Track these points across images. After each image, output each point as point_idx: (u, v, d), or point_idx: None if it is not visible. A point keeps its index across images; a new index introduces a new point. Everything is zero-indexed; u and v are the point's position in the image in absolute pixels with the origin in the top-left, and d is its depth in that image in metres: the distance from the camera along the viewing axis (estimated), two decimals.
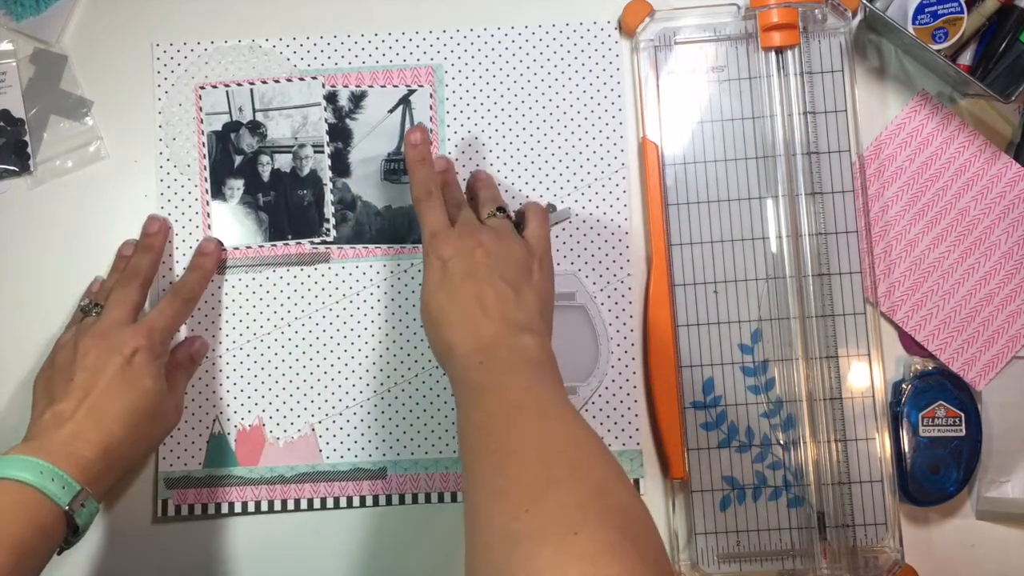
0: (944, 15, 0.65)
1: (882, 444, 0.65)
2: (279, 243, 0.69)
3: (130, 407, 0.58)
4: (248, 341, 0.68)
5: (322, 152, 0.69)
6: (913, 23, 0.65)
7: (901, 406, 0.65)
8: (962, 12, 0.64)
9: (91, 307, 0.64)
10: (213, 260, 0.67)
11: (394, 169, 0.69)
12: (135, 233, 0.69)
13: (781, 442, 0.65)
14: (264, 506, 0.66)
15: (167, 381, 0.62)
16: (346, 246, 0.69)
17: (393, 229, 0.69)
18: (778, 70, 0.67)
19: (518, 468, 0.45)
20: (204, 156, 0.69)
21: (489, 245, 0.57)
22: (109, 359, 0.58)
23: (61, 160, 0.70)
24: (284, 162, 0.69)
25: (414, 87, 0.70)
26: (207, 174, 0.69)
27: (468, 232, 0.58)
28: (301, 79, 0.70)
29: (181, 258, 0.69)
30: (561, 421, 0.49)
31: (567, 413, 0.50)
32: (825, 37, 0.67)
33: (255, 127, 0.70)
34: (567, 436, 0.48)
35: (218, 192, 0.69)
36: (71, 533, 0.54)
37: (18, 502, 0.51)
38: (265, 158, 0.69)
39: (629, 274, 0.68)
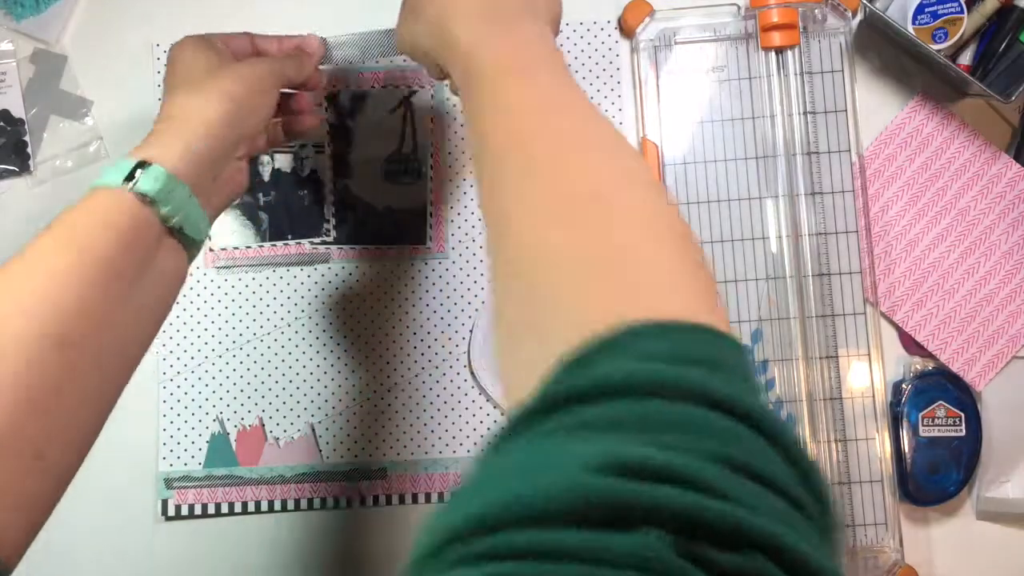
0: (944, 15, 0.65)
1: (882, 444, 0.65)
2: (279, 243, 0.69)
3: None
4: (248, 341, 0.68)
5: (322, 152, 0.69)
6: (913, 23, 0.65)
7: (901, 406, 0.65)
8: (962, 12, 0.64)
9: None
10: (315, 60, 0.60)
11: (395, 170, 0.69)
12: None
13: None
14: (264, 506, 0.66)
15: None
16: (346, 246, 0.69)
17: (393, 229, 0.69)
18: (778, 70, 0.67)
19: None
20: None
21: None
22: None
23: (61, 160, 0.70)
24: (284, 162, 0.69)
25: (415, 88, 0.70)
26: None
27: None
28: None
29: None
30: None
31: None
32: (825, 37, 0.67)
33: None
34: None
35: None
36: (174, 231, 0.45)
37: (91, 206, 0.43)
38: (265, 158, 0.69)
39: None
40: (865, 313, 0.66)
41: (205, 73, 0.50)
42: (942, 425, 0.65)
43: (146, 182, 0.43)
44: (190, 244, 0.47)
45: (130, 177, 0.43)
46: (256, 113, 0.51)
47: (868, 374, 0.65)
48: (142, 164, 0.44)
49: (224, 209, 0.53)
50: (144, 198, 0.43)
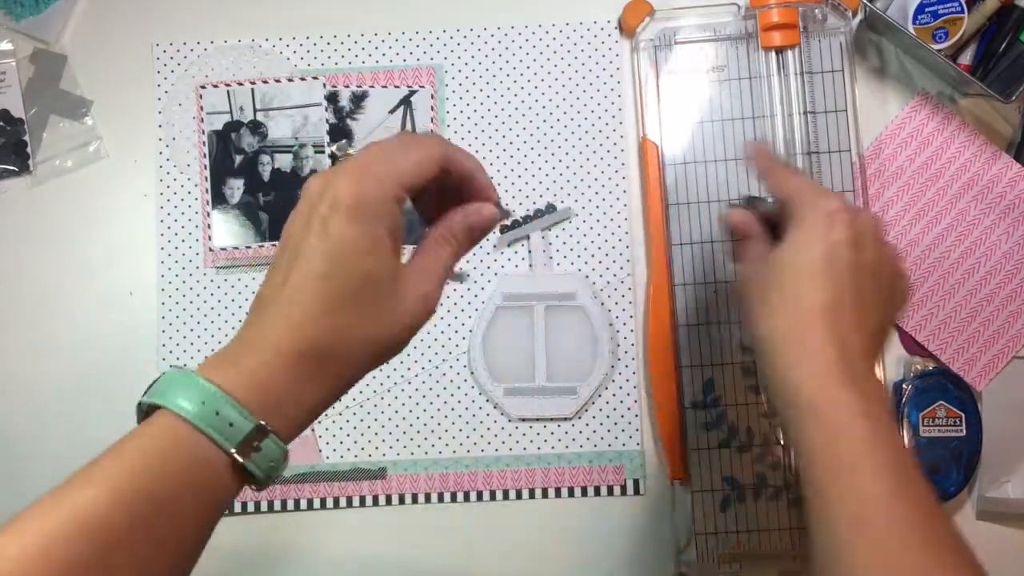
0: (944, 15, 0.65)
1: None
2: (279, 243, 0.68)
3: (325, 275, 0.37)
4: None
5: (323, 152, 0.69)
6: (913, 23, 0.65)
7: (902, 406, 0.65)
8: (962, 12, 0.64)
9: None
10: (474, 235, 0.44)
11: None
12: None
13: (781, 442, 0.65)
14: (264, 506, 0.66)
15: (412, 259, 0.42)
16: None
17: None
18: (778, 70, 0.67)
19: None
20: (204, 156, 0.69)
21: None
22: (307, 219, 0.38)
23: (61, 160, 0.70)
24: (284, 162, 0.69)
25: (415, 87, 0.70)
26: (207, 174, 0.69)
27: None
28: (302, 79, 0.70)
29: (173, 264, 0.68)
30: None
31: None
32: (825, 37, 0.67)
33: (256, 127, 0.69)
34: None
35: (218, 192, 0.69)
36: (249, 482, 0.38)
37: (169, 446, 0.35)
38: (265, 158, 0.69)
39: (629, 274, 0.68)
40: None
41: (373, 303, 0.38)
42: (942, 425, 0.65)
43: (261, 461, 0.36)
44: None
45: (245, 444, 0.36)
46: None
47: None
48: (262, 431, 0.36)
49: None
50: (246, 473, 0.36)
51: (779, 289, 0.46)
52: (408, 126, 0.69)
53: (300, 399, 0.38)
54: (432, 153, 0.40)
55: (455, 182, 0.42)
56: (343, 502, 0.66)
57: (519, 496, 0.66)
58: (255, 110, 0.70)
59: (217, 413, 0.35)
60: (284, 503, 0.66)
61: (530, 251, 0.68)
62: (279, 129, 0.69)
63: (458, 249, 0.43)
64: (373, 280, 0.38)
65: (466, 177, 0.42)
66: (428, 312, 0.41)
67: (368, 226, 0.37)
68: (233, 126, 0.70)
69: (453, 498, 0.67)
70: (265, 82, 0.70)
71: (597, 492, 0.66)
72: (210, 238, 0.69)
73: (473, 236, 0.43)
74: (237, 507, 0.66)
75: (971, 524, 0.66)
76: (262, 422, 0.36)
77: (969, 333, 0.67)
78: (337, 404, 0.67)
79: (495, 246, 0.68)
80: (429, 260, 0.42)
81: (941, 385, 0.65)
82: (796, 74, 0.67)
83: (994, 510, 0.66)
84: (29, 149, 0.70)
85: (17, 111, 0.70)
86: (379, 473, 0.67)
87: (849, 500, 0.40)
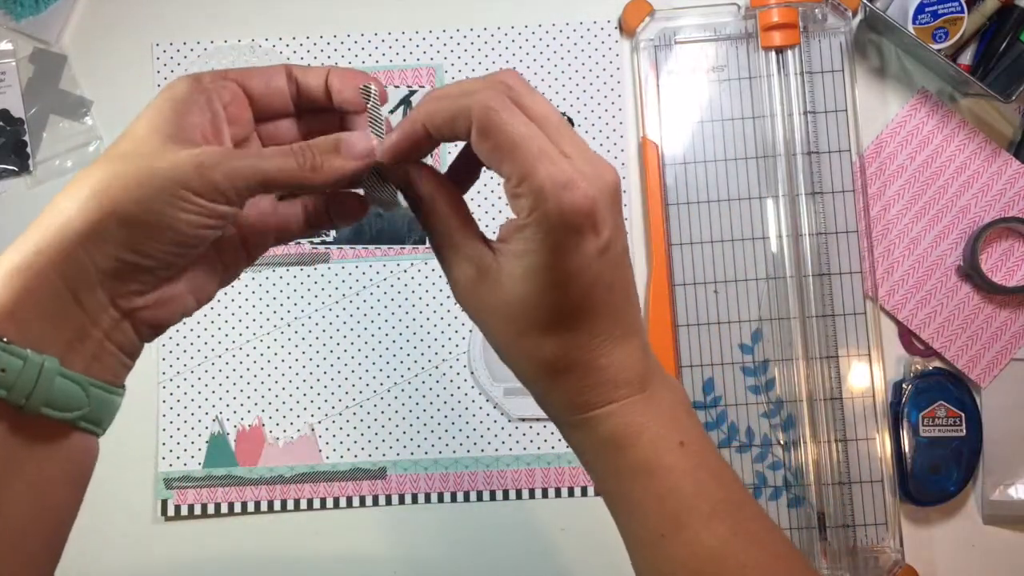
0: (944, 15, 0.64)
1: (882, 444, 0.64)
2: None
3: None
4: (248, 341, 0.68)
5: None
6: (913, 23, 0.65)
7: (902, 406, 0.65)
8: (962, 12, 0.64)
9: None
10: (351, 166, 0.36)
11: None
12: None
13: (781, 442, 0.65)
14: (264, 506, 0.66)
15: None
16: (346, 246, 0.69)
17: (393, 230, 0.69)
18: (778, 70, 0.67)
19: None
20: None
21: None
22: None
23: (61, 160, 0.70)
24: None
25: (415, 87, 0.70)
26: None
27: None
28: None
29: None
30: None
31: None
32: (825, 37, 0.67)
33: None
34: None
35: None
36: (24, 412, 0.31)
37: None
38: None
39: None
40: (865, 313, 0.65)
41: (126, 156, 0.33)
42: (942, 425, 0.64)
43: (12, 380, 0.30)
44: (69, 422, 0.33)
45: None
46: (160, 234, 0.32)
47: (868, 374, 0.65)
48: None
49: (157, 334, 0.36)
50: None
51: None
52: None
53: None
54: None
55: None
56: (343, 502, 0.66)
57: (519, 496, 0.66)
58: None
59: None
60: (284, 503, 0.66)
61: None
62: None
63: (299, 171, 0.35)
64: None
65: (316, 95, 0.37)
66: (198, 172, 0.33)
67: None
68: None
69: (453, 498, 0.67)
70: None
71: (597, 492, 0.66)
72: None
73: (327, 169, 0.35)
74: (238, 507, 0.66)
75: (972, 524, 0.66)
76: None
77: (972, 331, 0.67)
78: (337, 404, 0.67)
79: None
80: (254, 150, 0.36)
81: (941, 385, 0.65)
82: (796, 74, 0.67)
83: (1001, 513, 0.65)
84: (29, 149, 0.70)
85: (17, 111, 0.70)
86: (379, 473, 0.67)
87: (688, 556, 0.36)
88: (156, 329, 0.35)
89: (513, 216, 0.35)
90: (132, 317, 0.34)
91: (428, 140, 0.35)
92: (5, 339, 0.30)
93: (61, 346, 0.32)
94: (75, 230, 0.32)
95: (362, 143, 0.36)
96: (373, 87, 0.38)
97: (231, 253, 0.38)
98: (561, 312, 0.35)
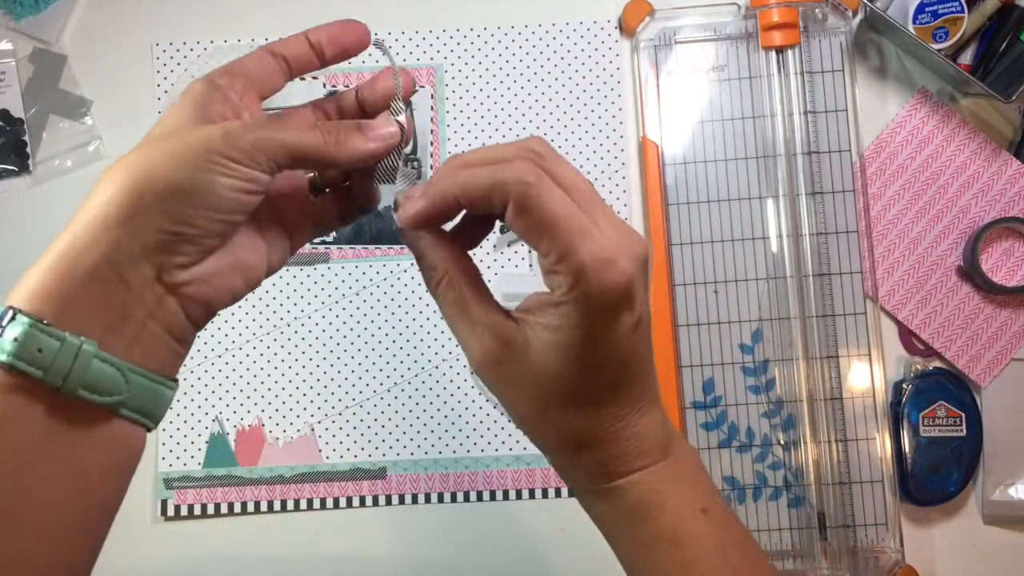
0: (944, 14, 0.64)
1: (883, 444, 0.64)
2: None
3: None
4: (248, 341, 0.68)
5: None
6: (913, 22, 0.65)
7: (902, 406, 0.65)
8: (962, 12, 0.64)
9: None
10: (372, 147, 0.39)
11: None
12: None
13: (781, 442, 0.65)
14: (264, 506, 0.66)
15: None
16: (346, 246, 0.69)
17: (393, 230, 0.69)
18: (778, 70, 0.67)
19: None
20: None
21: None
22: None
23: (60, 160, 0.70)
24: None
25: (415, 88, 0.70)
26: None
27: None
28: (302, 79, 0.70)
29: None
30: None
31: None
32: (825, 36, 0.67)
33: None
34: None
35: None
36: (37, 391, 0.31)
37: None
38: None
39: None
40: (866, 313, 0.65)
41: (159, 138, 0.34)
42: (943, 425, 0.64)
43: (4, 343, 0.31)
44: (115, 411, 0.33)
45: None
46: (199, 199, 0.33)
47: (868, 374, 0.65)
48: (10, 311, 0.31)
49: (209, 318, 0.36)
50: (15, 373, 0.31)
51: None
52: (408, 126, 0.69)
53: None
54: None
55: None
56: (343, 502, 0.66)
57: (519, 496, 0.66)
58: None
59: None
60: (284, 503, 0.66)
61: (530, 251, 0.68)
62: None
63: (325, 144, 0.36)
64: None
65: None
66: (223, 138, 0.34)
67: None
68: None
69: (453, 498, 0.67)
70: None
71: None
72: None
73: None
74: (238, 507, 0.66)
75: (972, 524, 0.66)
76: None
77: (972, 330, 0.67)
78: (337, 404, 0.67)
79: (495, 246, 0.68)
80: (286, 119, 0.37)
81: (941, 385, 0.65)
82: (796, 74, 0.67)
83: (1001, 513, 0.65)
84: (29, 149, 0.70)
85: (17, 111, 0.70)
86: (379, 473, 0.67)
87: None
88: (206, 308, 0.35)
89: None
90: (178, 293, 0.34)
91: (456, 210, 0.36)
92: (45, 321, 0.31)
93: (101, 328, 0.32)
94: (117, 208, 0.32)
95: (384, 126, 0.39)
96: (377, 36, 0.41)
97: (273, 235, 0.39)
98: (592, 388, 0.35)
